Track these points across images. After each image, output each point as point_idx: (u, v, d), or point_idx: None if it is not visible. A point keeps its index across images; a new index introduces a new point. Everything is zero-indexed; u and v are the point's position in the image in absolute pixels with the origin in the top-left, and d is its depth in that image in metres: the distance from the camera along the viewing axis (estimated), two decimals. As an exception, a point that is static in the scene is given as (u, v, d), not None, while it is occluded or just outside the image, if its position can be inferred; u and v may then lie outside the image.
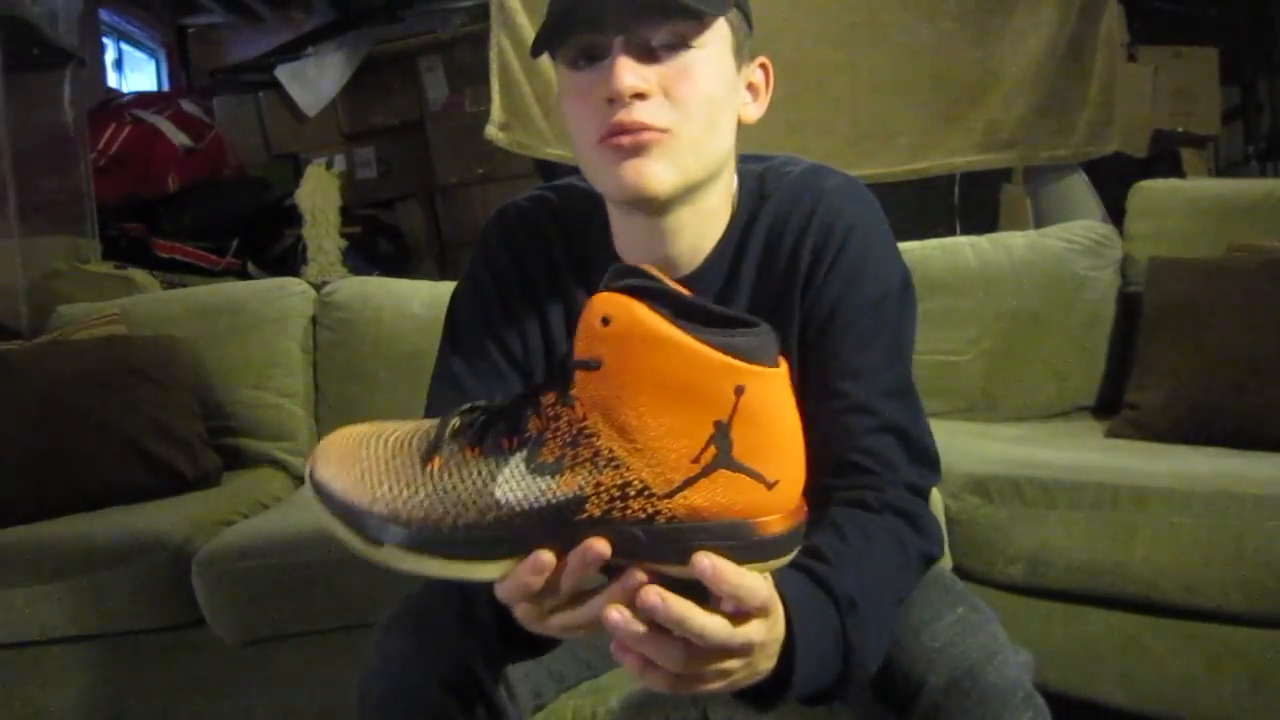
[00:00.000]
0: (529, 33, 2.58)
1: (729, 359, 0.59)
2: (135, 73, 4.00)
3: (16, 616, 1.55)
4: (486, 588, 0.64)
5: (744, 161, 0.89)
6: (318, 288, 2.21)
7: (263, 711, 1.56)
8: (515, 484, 0.60)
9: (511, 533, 0.60)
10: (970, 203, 2.78)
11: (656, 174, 0.75)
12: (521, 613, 0.63)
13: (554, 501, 0.60)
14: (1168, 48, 3.09)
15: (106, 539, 1.58)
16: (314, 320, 2.15)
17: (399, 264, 3.41)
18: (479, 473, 0.61)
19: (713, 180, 0.81)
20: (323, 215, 3.12)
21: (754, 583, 0.60)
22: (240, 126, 3.56)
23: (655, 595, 0.58)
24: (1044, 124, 2.66)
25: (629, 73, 0.74)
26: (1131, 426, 1.72)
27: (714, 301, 0.81)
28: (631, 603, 0.58)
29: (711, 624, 0.59)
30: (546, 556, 0.59)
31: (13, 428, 1.79)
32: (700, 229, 0.83)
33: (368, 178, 3.55)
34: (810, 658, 0.65)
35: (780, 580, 0.65)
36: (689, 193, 0.79)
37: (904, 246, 2.24)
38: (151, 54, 4.11)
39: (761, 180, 0.88)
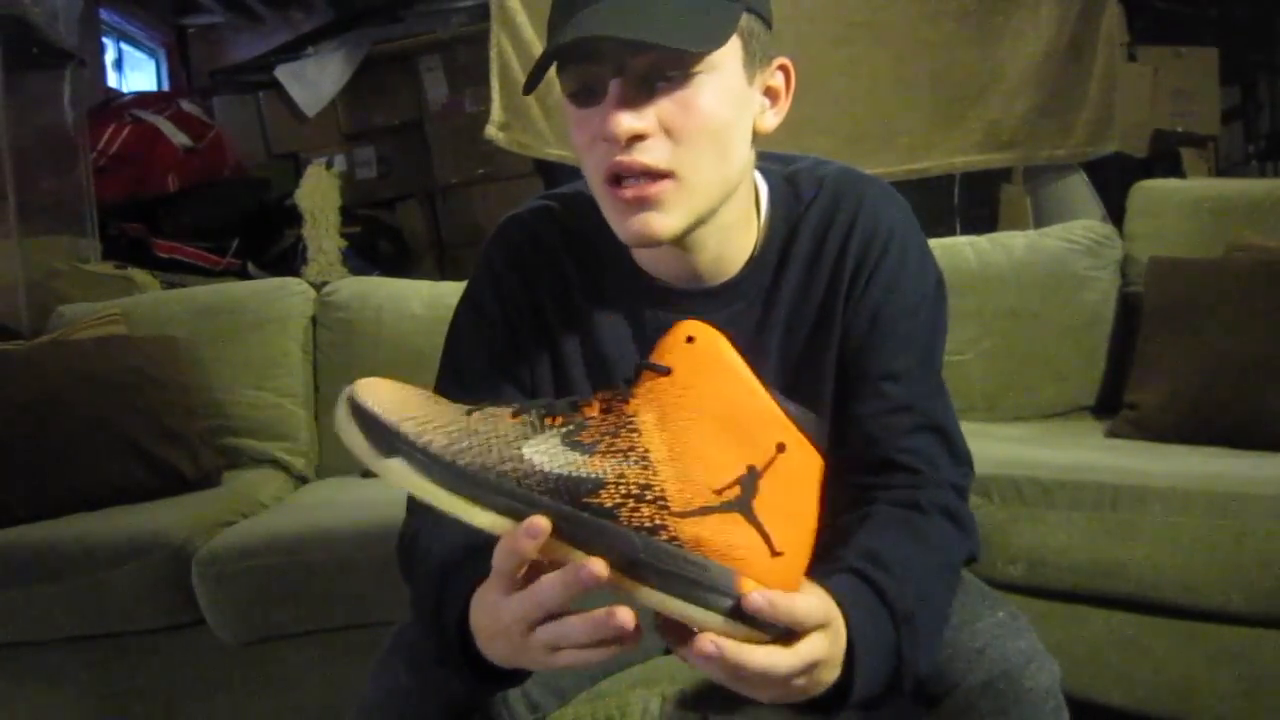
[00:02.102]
0: (529, 33, 2.58)
1: (783, 416, 0.63)
2: (135, 73, 4.00)
3: (16, 616, 1.56)
4: (458, 622, 0.64)
5: (764, 160, 0.86)
6: (318, 288, 2.21)
7: (263, 711, 1.56)
8: (545, 449, 0.61)
9: (519, 488, 0.60)
10: (970, 203, 2.78)
11: (662, 223, 0.73)
12: (507, 615, 0.61)
13: (573, 475, 0.60)
14: (1168, 48, 3.08)
15: (106, 539, 1.58)
16: (314, 320, 2.15)
17: (399, 264, 3.41)
18: (515, 431, 0.62)
19: (727, 199, 0.78)
20: (323, 215, 3.12)
21: (808, 607, 0.60)
22: (240, 126, 3.56)
23: (710, 645, 0.57)
24: (1044, 124, 2.66)
25: (625, 115, 0.70)
26: (1131, 426, 1.72)
27: (758, 309, 0.84)
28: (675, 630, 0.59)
29: (770, 660, 0.58)
30: (543, 521, 0.58)
31: (13, 428, 1.79)
32: (722, 241, 0.81)
33: (368, 178, 3.55)
34: (868, 670, 0.65)
35: (841, 589, 0.65)
36: (699, 223, 0.77)
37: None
38: (151, 54, 4.11)
39: (794, 185, 0.85)
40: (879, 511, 0.76)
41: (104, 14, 3.54)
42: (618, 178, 0.73)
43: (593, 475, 0.60)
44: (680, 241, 0.77)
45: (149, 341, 2.01)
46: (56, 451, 1.78)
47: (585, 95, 0.74)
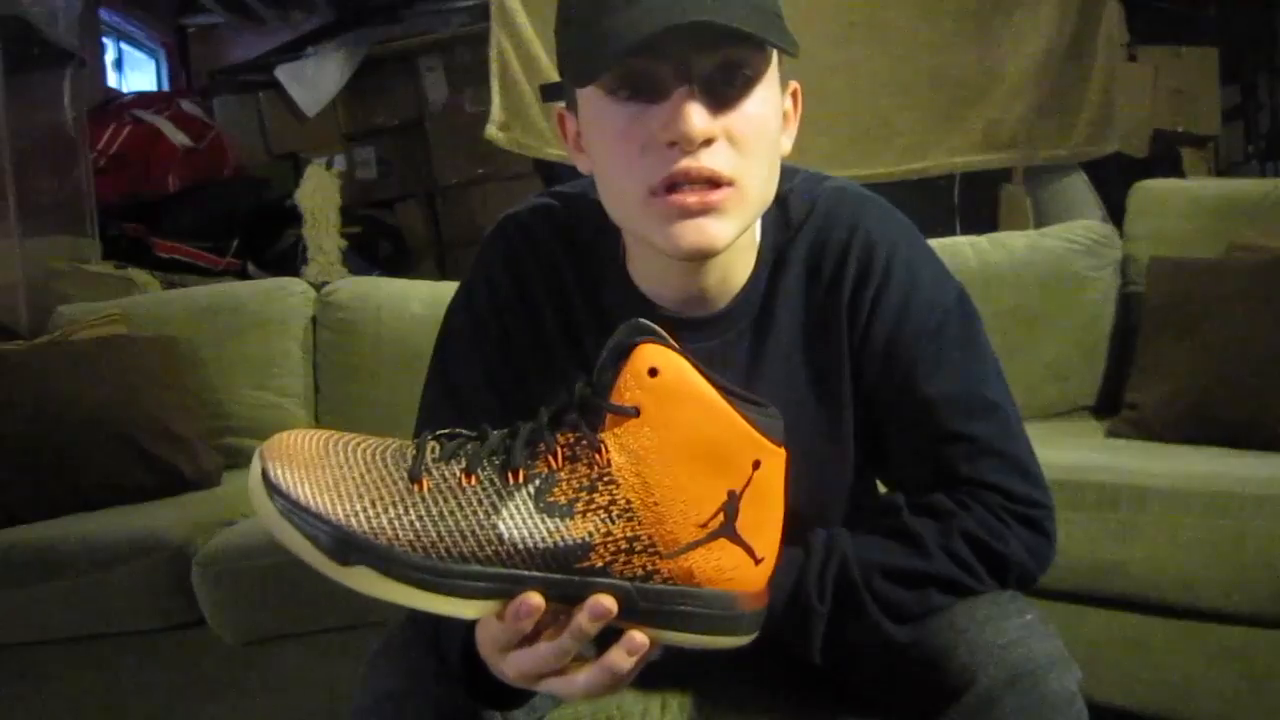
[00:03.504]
0: (529, 33, 2.58)
1: (755, 433, 0.60)
2: (135, 73, 4.00)
3: (16, 616, 1.56)
4: (462, 640, 0.63)
5: None
6: (318, 288, 2.21)
7: (263, 711, 1.56)
8: (521, 520, 0.58)
9: (504, 571, 0.58)
10: (970, 203, 2.78)
11: (721, 231, 0.69)
12: (514, 668, 0.61)
13: (560, 545, 0.58)
14: (1168, 48, 3.09)
15: (106, 539, 1.58)
16: (314, 320, 2.15)
17: (399, 264, 3.41)
18: (479, 502, 0.58)
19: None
20: (323, 215, 3.12)
21: None
22: (240, 126, 3.56)
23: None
24: (1044, 124, 2.66)
25: (699, 116, 0.66)
26: (1131, 426, 1.72)
27: (748, 338, 0.80)
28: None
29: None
30: (536, 599, 0.57)
31: (13, 428, 1.79)
32: (728, 265, 0.78)
33: (368, 178, 3.55)
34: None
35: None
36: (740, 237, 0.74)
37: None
38: (151, 54, 4.11)
39: (784, 209, 0.81)
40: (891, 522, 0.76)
41: (104, 14, 3.54)
42: (674, 185, 0.68)
43: (579, 540, 0.58)
44: (689, 267, 0.75)
45: (149, 341, 2.01)
46: (56, 451, 1.78)
47: (629, 90, 0.69)
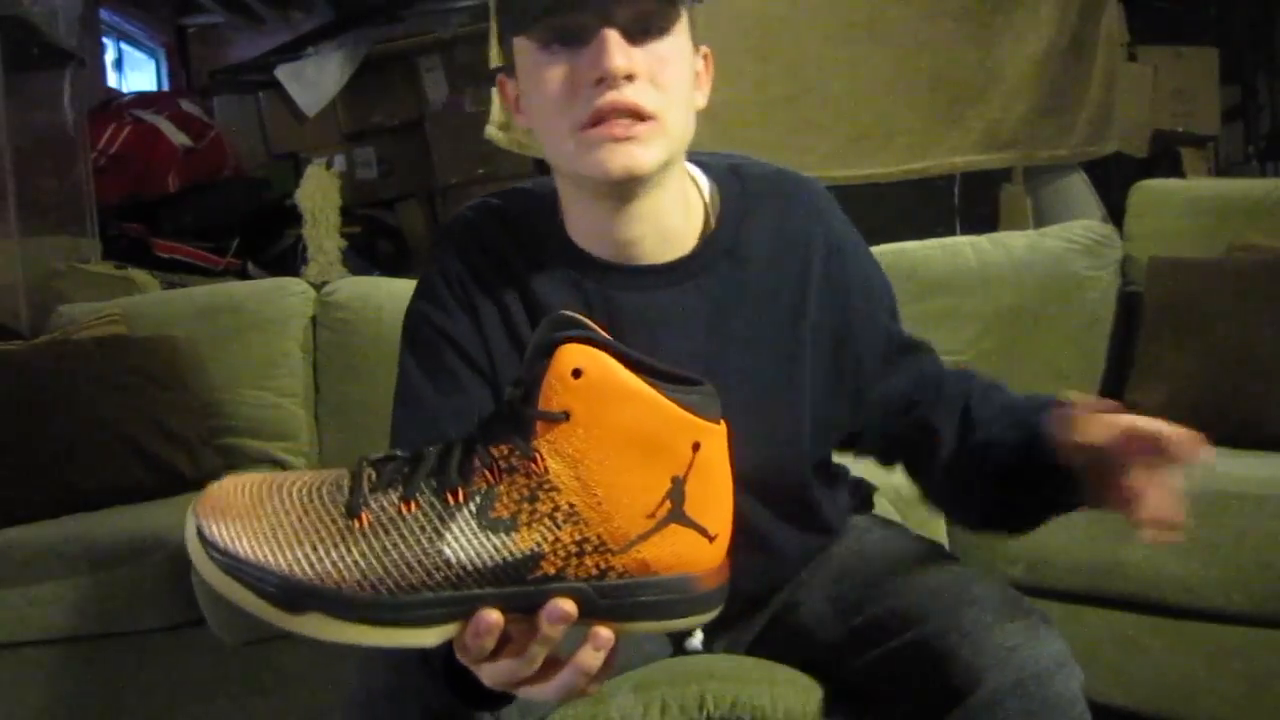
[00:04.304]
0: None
1: (690, 415, 0.59)
2: (135, 73, 4.00)
3: (16, 616, 1.56)
4: (445, 647, 0.63)
5: (695, 155, 0.90)
6: (318, 288, 2.21)
7: (263, 711, 1.56)
8: (466, 541, 0.57)
9: (458, 594, 0.57)
10: (970, 203, 2.78)
11: (645, 157, 0.77)
12: (489, 678, 0.61)
13: (509, 560, 0.57)
14: (1168, 48, 3.09)
15: (106, 539, 1.58)
16: (314, 320, 2.15)
17: (399, 264, 3.41)
18: (421, 529, 0.57)
19: (676, 162, 0.83)
20: (323, 215, 3.12)
21: None
22: (240, 126, 3.57)
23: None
24: (1044, 124, 2.66)
25: (621, 52, 0.74)
26: (1131, 426, 1.71)
27: (715, 290, 0.85)
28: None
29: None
30: (493, 616, 0.57)
31: (13, 428, 1.79)
32: (660, 215, 0.84)
33: (368, 178, 3.55)
34: None
35: None
36: (663, 172, 0.81)
37: (904, 246, 2.25)
38: (151, 54, 4.11)
39: (739, 176, 0.90)
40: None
41: (104, 14, 3.54)
42: (602, 118, 0.75)
43: (528, 552, 0.57)
44: (630, 203, 0.81)
45: (149, 341, 2.01)
46: (56, 451, 1.78)
47: (559, 43, 0.77)
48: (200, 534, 0.58)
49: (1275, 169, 3.34)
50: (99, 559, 1.55)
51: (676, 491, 0.59)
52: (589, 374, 0.58)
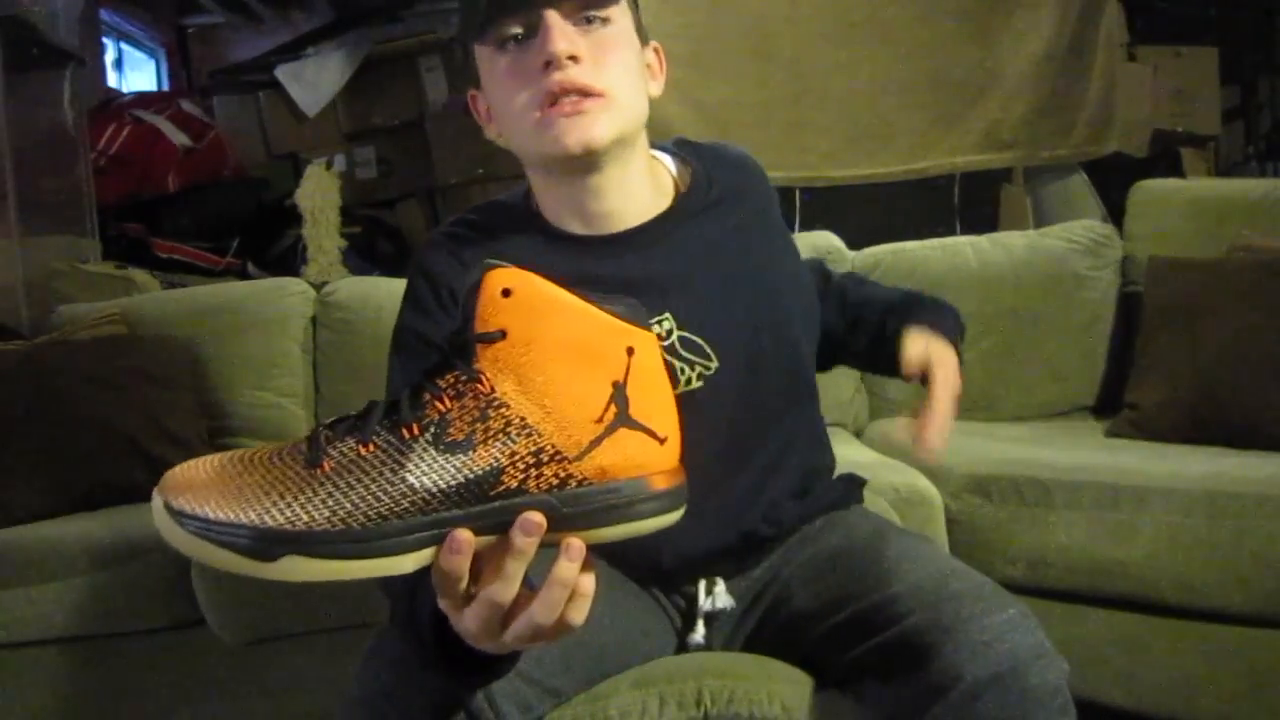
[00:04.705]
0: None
1: (619, 322, 0.63)
2: (135, 73, 4.00)
3: (16, 616, 1.56)
4: (431, 618, 0.64)
5: (669, 146, 1.00)
6: (318, 288, 2.21)
7: (263, 711, 1.56)
8: (427, 466, 0.59)
9: (427, 518, 0.59)
10: (970, 203, 2.78)
11: (597, 130, 0.83)
12: (474, 624, 0.62)
13: (471, 477, 0.59)
14: (1168, 48, 3.09)
15: (106, 539, 1.58)
16: (314, 320, 2.15)
17: (399, 264, 3.41)
18: (382, 464, 0.59)
19: (637, 139, 0.90)
20: (323, 215, 3.12)
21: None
22: (240, 126, 3.56)
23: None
24: (1044, 124, 2.66)
25: (563, 37, 0.81)
26: (1131, 426, 1.72)
27: (686, 249, 0.92)
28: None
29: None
30: (464, 534, 0.59)
31: (13, 428, 1.79)
32: (628, 186, 0.90)
33: (368, 178, 3.55)
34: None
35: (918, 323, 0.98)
36: (621, 146, 0.87)
37: (904, 246, 2.25)
38: (151, 54, 4.11)
39: (692, 147, 1.00)
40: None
41: (104, 14, 3.54)
42: (554, 99, 0.82)
43: (488, 467, 0.60)
44: (593, 176, 0.87)
45: (149, 341, 2.01)
46: (56, 451, 1.78)
47: (514, 43, 0.84)
48: (168, 507, 0.59)
49: (1275, 169, 3.34)
50: (99, 559, 1.55)
51: (619, 396, 0.62)
52: (517, 292, 0.62)
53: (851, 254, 2.09)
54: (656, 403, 0.64)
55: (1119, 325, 1.97)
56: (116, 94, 3.56)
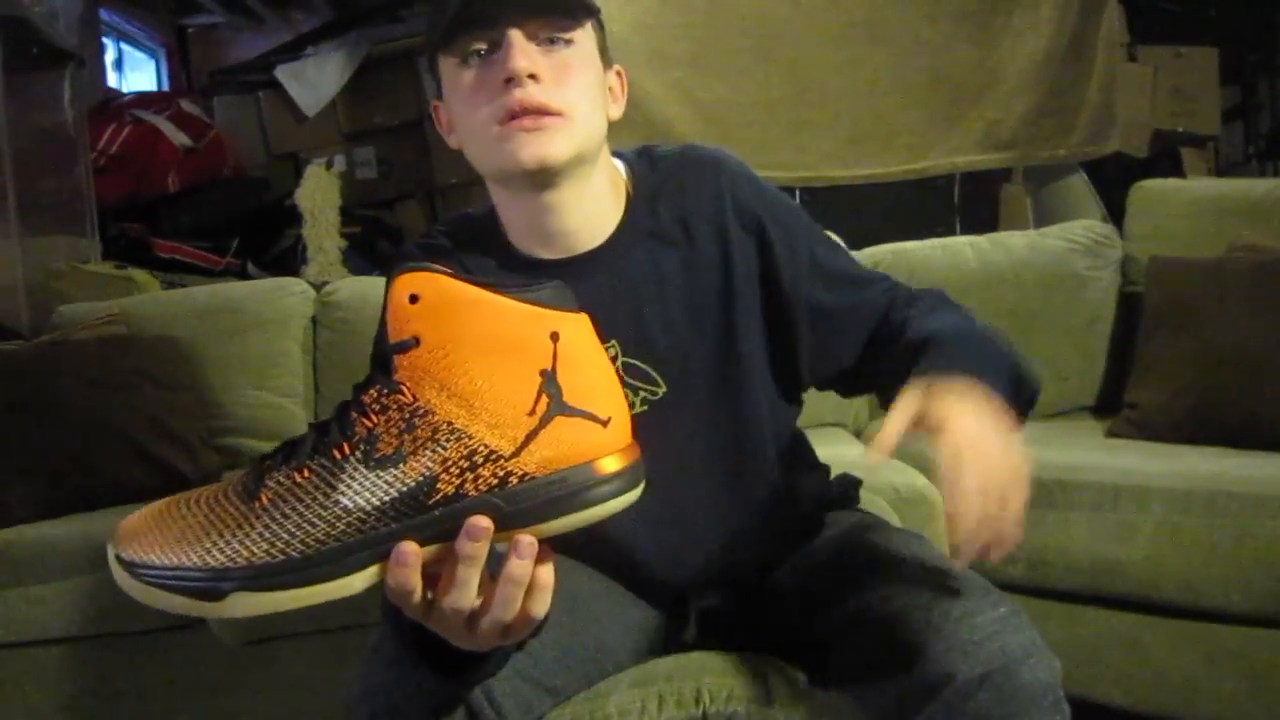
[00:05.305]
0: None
1: (537, 309, 0.62)
2: (135, 73, 4.00)
3: (16, 616, 1.56)
4: (411, 619, 0.64)
5: (632, 153, 0.98)
6: (318, 288, 2.21)
7: (263, 711, 1.56)
8: (359, 485, 0.59)
9: (367, 537, 0.58)
10: (970, 203, 2.78)
11: (554, 148, 0.83)
12: (441, 627, 0.63)
13: (404, 490, 0.59)
14: (1168, 48, 3.09)
15: (106, 539, 1.57)
16: (314, 320, 2.15)
17: (399, 264, 3.40)
18: (315, 488, 0.59)
19: (594, 159, 0.88)
20: (323, 215, 3.12)
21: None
22: (240, 126, 3.56)
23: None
24: (1044, 124, 2.67)
25: (524, 56, 0.81)
26: (1131, 426, 1.72)
27: (639, 271, 0.90)
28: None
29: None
30: (408, 546, 0.59)
31: (13, 428, 1.79)
32: (586, 209, 0.89)
33: (368, 178, 3.55)
34: (990, 373, 0.79)
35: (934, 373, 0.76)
36: (578, 165, 0.86)
37: (904, 246, 2.25)
38: (151, 54, 4.11)
39: (649, 157, 0.97)
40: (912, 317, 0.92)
41: (104, 14, 3.54)
42: (513, 115, 0.82)
43: (420, 478, 0.59)
44: (552, 192, 0.86)
45: (149, 341, 2.01)
46: (56, 451, 1.78)
47: (476, 58, 0.84)
48: (120, 560, 0.60)
49: (1275, 169, 3.34)
50: (99, 559, 1.54)
51: (550, 384, 0.61)
52: (425, 296, 0.61)
53: (851, 254, 2.09)
54: (592, 384, 0.63)
55: (1119, 325, 1.97)
56: (116, 94, 3.56)
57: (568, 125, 0.83)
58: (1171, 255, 1.86)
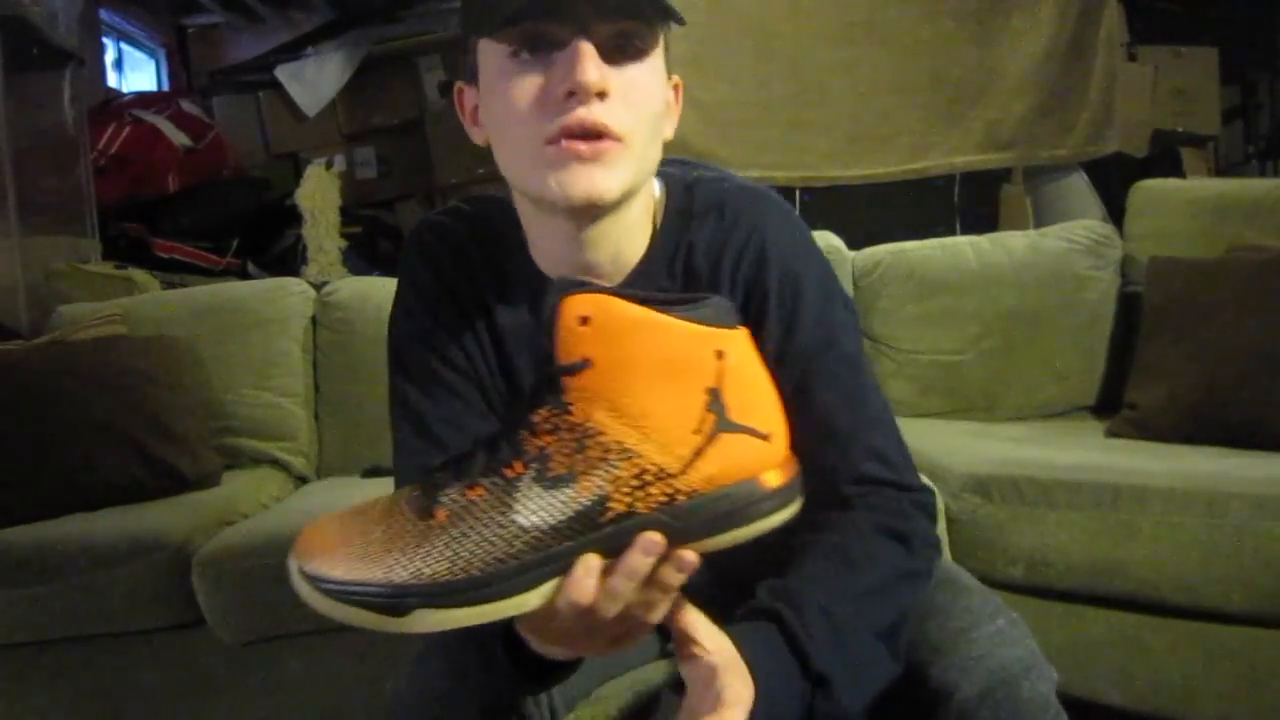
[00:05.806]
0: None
1: (702, 327, 0.62)
2: (135, 73, 4.00)
3: (16, 616, 1.56)
4: (500, 625, 0.64)
5: (666, 165, 0.85)
6: (318, 288, 2.21)
7: (263, 711, 1.56)
8: (535, 504, 0.60)
9: (544, 555, 0.60)
10: (970, 203, 2.78)
11: (610, 181, 0.73)
12: (563, 631, 0.64)
13: (579, 510, 0.60)
14: (1168, 48, 3.09)
15: (106, 539, 1.58)
16: (314, 320, 2.15)
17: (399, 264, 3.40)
18: (492, 507, 0.61)
19: (641, 189, 0.79)
20: (323, 215, 3.12)
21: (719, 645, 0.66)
22: (240, 126, 3.57)
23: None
24: (1044, 124, 2.67)
25: (596, 68, 0.70)
26: (1131, 426, 1.72)
27: None
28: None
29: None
30: (593, 558, 0.60)
31: (13, 428, 1.79)
32: (620, 239, 0.80)
33: (368, 178, 3.56)
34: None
35: (749, 642, 0.67)
36: (625, 198, 0.77)
37: (904, 246, 2.25)
38: (151, 54, 4.11)
39: (691, 196, 0.85)
40: (809, 544, 0.76)
41: (104, 14, 3.54)
42: (569, 135, 0.71)
43: (594, 497, 0.60)
44: (590, 226, 0.77)
45: (149, 341, 2.01)
46: (56, 451, 1.78)
47: (529, 51, 0.73)
48: (303, 573, 0.62)
49: (1275, 169, 3.34)
50: (99, 559, 1.55)
51: (715, 402, 0.62)
52: (595, 318, 0.61)
53: (851, 254, 2.09)
54: (755, 401, 0.64)
55: (1119, 325, 1.97)
56: (116, 94, 3.56)
57: (626, 154, 0.73)
58: (1171, 255, 1.86)
